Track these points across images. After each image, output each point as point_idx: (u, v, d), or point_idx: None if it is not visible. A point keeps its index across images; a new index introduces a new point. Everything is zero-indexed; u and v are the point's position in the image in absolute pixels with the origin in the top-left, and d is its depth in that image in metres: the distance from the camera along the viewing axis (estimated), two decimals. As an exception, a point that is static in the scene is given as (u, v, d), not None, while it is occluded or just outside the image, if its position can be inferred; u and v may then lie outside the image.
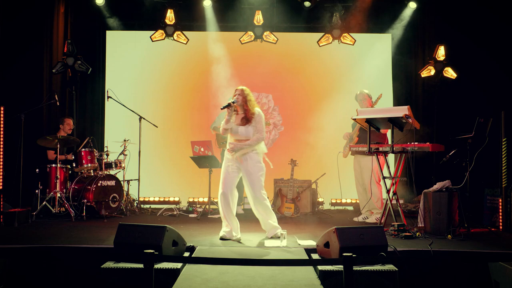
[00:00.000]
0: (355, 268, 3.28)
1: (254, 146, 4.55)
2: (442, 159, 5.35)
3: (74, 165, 6.38)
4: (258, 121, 4.54)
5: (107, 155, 6.55)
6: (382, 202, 5.94)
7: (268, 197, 7.09)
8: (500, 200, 5.33)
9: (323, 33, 7.66)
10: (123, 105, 6.88)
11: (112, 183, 6.31)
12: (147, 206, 7.39)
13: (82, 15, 7.73)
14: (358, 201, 6.39)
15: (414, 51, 7.83)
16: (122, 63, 7.97)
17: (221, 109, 4.57)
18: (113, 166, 6.56)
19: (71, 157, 6.53)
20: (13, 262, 3.98)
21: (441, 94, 7.51)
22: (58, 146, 6.05)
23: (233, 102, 4.55)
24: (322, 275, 3.39)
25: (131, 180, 6.86)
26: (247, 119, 4.52)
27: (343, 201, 7.42)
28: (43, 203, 5.83)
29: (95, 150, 6.44)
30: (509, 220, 5.23)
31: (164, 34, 7.62)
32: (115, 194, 6.30)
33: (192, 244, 4.15)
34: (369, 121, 5.00)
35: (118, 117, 7.72)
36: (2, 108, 5.46)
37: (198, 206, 7.15)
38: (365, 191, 6.01)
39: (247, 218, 5.79)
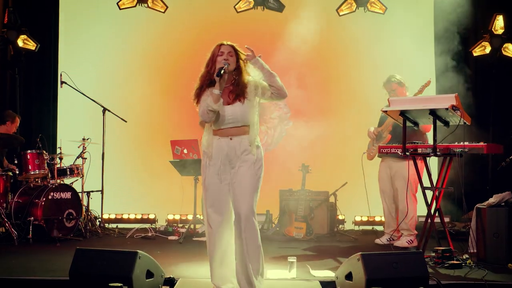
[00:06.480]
0: (386, 306, 3.28)
1: None
2: (500, 164, 5.34)
3: (17, 172, 6.37)
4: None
5: (61, 158, 6.55)
6: (416, 221, 5.96)
7: (272, 214, 7.22)
8: None
9: (344, -1, 7.68)
10: (82, 93, 6.88)
11: (68, 195, 6.31)
12: (113, 225, 7.40)
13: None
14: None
15: (464, 22, 7.80)
16: (80, 39, 7.96)
17: (216, 76, 3.65)
18: (69, 173, 6.56)
19: (5, 164, 6.50)
20: None
21: (500, 79, 7.50)
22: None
23: (225, 67, 3.71)
24: (343, 316, 3.41)
25: (92, 191, 6.86)
26: (238, 93, 3.74)
27: (371, 219, 7.42)
28: (-23, 222, 5.84)
29: (44, 152, 6.43)
30: None
31: (135, 0, 7.63)
32: (71, 210, 6.30)
33: (172, 276, 4.16)
34: (404, 113, 5.00)
35: (75, 109, 7.72)
36: None
37: (180, 225, 7.15)
38: (392, 206, 6.06)
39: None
